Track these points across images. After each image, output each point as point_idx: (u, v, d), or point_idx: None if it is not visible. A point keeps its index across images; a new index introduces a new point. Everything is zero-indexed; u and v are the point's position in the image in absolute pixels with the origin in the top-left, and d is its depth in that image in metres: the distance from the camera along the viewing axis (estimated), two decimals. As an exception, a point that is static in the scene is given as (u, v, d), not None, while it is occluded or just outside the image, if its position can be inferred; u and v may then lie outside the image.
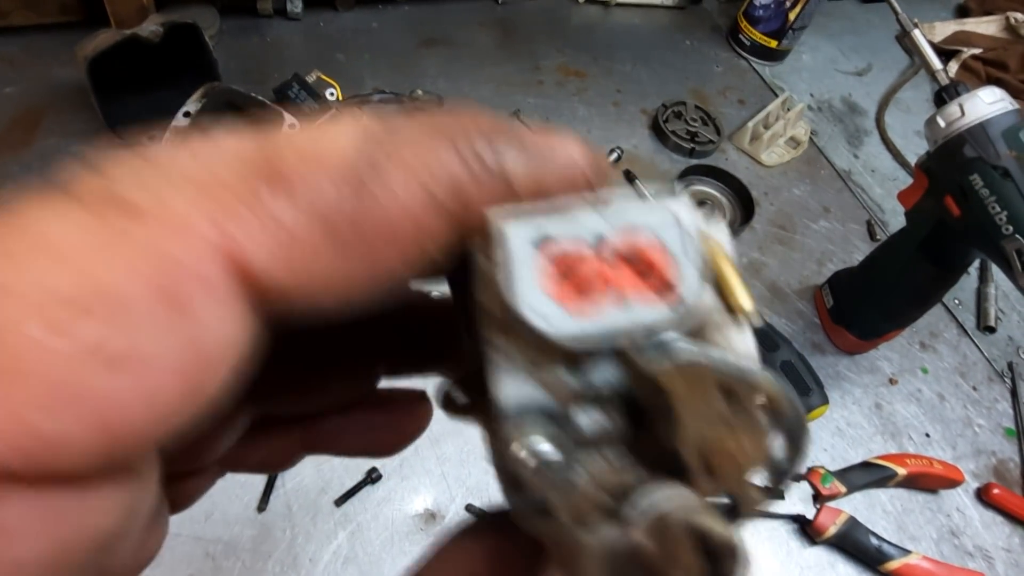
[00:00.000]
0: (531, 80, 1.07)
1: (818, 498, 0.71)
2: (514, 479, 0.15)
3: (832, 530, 0.69)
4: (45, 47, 0.92)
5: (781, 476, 0.16)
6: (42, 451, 0.11)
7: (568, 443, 0.16)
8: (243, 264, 0.13)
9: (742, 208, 0.95)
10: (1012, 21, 1.35)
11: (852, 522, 0.70)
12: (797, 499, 0.71)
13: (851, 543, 0.70)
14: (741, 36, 1.20)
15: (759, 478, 0.16)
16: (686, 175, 0.96)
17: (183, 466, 0.22)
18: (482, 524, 0.20)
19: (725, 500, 0.16)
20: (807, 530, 0.71)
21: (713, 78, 1.16)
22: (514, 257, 0.14)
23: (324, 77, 0.95)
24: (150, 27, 0.80)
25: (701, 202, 0.96)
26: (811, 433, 0.79)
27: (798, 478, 0.73)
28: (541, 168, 0.16)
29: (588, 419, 0.17)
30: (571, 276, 0.14)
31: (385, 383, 0.26)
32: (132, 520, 0.15)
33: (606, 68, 1.12)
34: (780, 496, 0.18)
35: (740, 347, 0.17)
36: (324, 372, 0.24)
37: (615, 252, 0.14)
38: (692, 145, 1.01)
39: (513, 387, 0.15)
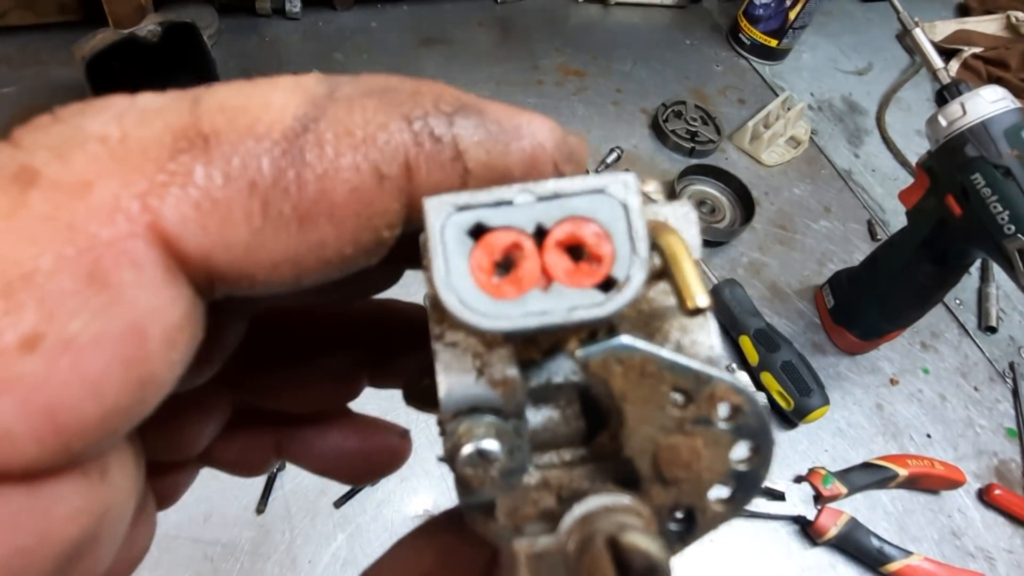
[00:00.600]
0: (530, 79, 1.07)
1: (819, 499, 0.71)
2: (462, 477, 0.15)
3: (833, 531, 0.69)
4: (43, 47, 0.92)
5: (746, 489, 0.15)
6: None
7: (519, 441, 0.15)
8: (171, 238, 0.12)
9: (742, 208, 0.95)
10: (1013, 20, 1.34)
11: (853, 523, 0.70)
12: (798, 500, 0.71)
13: (852, 544, 0.70)
14: (741, 35, 1.20)
15: (721, 490, 0.15)
16: (686, 175, 0.95)
17: (166, 457, 0.22)
18: (437, 522, 0.20)
19: (680, 515, 0.15)
20: (808, 531, 0.71)
21: (713, 77, 1.16)
22: (445, 245, 0.13)
23: (323, 77, 0.94)
24: (148, 27, 0.80)
25: (701, 202, 0.95)
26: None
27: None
28: (501, 148, 0.15)
29: (541, 416, 0.16)
30: (505, 265, 0.14)
31: (371, 412, 0.26)
32: (106, 522, 0.14)
33: (605, 67, 1.12)
34: (740, 512, 0.17)
35: (702, 343, 0.16)
36: (306, 368, 0.23)
37: (555, 241, 0.14)
38: (692, 145, 1.01)
39: (457, 381, 0.15)
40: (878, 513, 0.74)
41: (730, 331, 0.83)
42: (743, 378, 0.79)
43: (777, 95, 1.13)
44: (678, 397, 0.15)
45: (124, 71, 0.83)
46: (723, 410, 0.15)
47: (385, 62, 1.03)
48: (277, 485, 0.65)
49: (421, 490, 0.67)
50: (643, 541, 0.13)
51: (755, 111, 1.08)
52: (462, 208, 0.13)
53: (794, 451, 0.77)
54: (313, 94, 0.14)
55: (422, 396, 0.20)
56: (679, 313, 0.15)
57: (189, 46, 0.84)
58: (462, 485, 0.15)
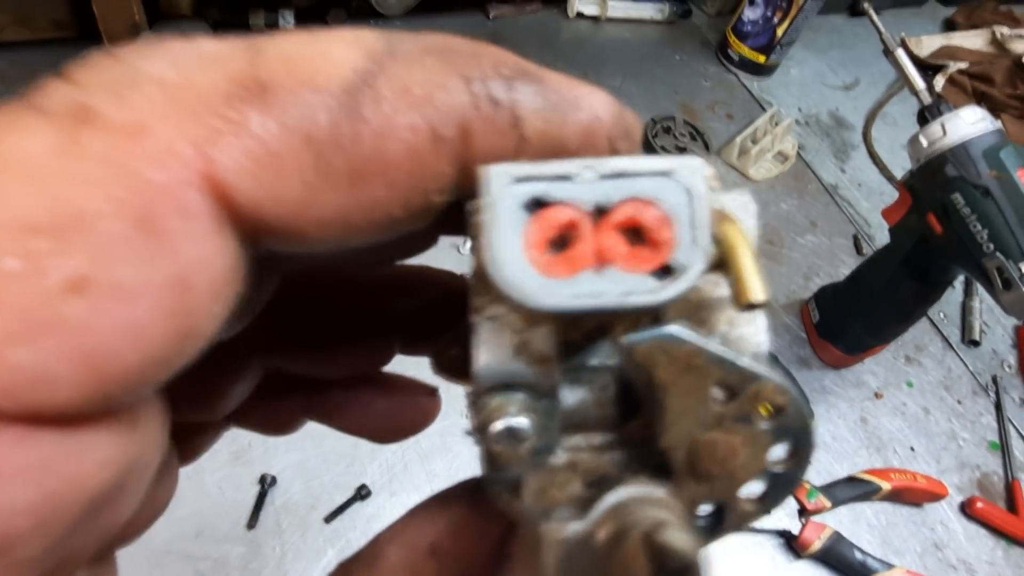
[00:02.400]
0: (522, 95, 1.08)
1: (803, 512, 0.72)
2: (489, 452, 0.14)
3: (817, 545, 0.70)
4: (37, 63, 0.93)
5: (779, 490, 0.15)
6: (24, 387, 0.11)
7: (550, 421, 0.15)
8: (223, 188, 0.12)
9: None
10: (998, 35, 1.36)
11: (837, 537, 0.71)
12: (782, 514, 0.72)
13: (836, 558, 0.71)
14: (730, 51, 1.22)
15: (754, 488, 0.15)
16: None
17: (194, 418, 0.22)
18: (452, 493, 0.20)
19: (709, 509, 0.15)
20: (792, 545, 0.72)
21: (702, 92, 1.18)
22: (500, 218, 0.13)
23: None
24: (142, 44, 0.81)
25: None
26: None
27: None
28: (559, 117, 0.14)
29: (574, 397, 0.16)
30: (560, 243, 0.13)
31: (400, 370, 0.26)
32: (133, 473, 0.14)
33: (596, 82, 1.11)
34: (770, 512, 0.17)
35: (750, 338, 0.15)
36: (337, 333, 0.23)
37: (614, 222, 0.13)
38: (681, 160, 1.02)
39: (494, 356, 0.14)
40: (862, 526, 0.75)
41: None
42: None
43: (765, 110, 1.15)
44: (721, 392, 0.14)
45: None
46: (766, 409, 0.14)
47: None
48: (268, 501, 0.66)
49: (411, 505, 0.68)
50: (679, 540, 0.12)
51: (743, 126, 1.10)
52: (521, 179, 0.13)
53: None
54: (373, 48, 0.13)
55: (451, 366, 0.20)
56: (728, 305, 0.15)
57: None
58: (489, 461, 0.15)
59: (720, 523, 0.15)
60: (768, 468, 0.14)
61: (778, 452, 0.14)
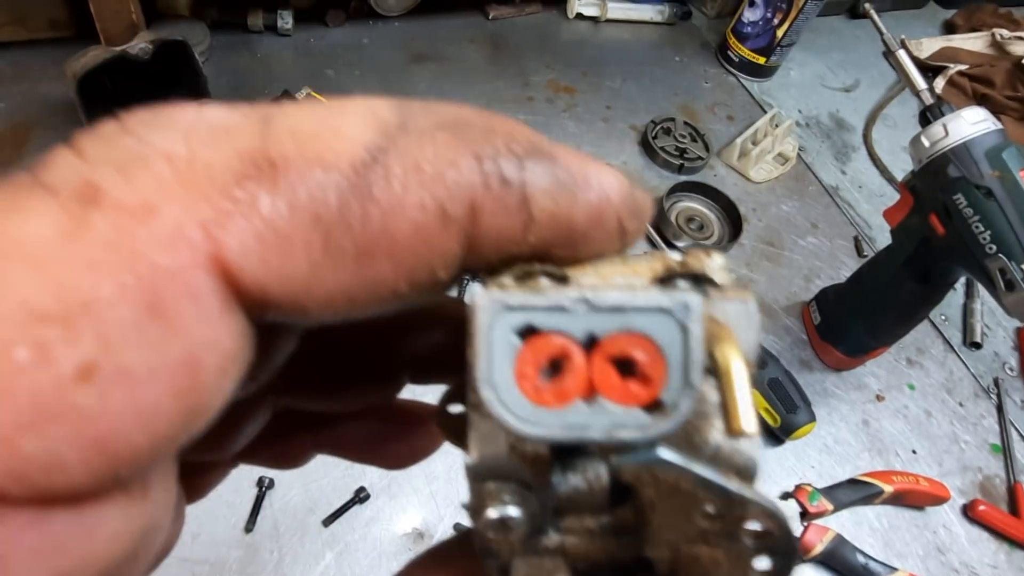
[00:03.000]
0: (521, 96, 1.08)
1: (805, 516, 0.72)
2: (481, 538, 0.15)
3: (819, 548, 0.70)
4: (34, 63, 0.92)
5: None
6: (35, 473, 0.11)
7: (542, 509, 0.15)
8: (229, 269, 0.12)
9: (730, 224, 0.96)
10: (998, 37, 1.36)
11: (839, 540, 0.70)
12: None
13: (838, 561, 0.70)
14: (730, 53, 1.21)
15: None
16: (675, 191, 0.96)
17: (202, 458, 0.22)
18: (451, 547, 0.20)
19: None
20: (795, 548, 0.71)
21: (702, 94, 1.17)
22: (493, 344, 0.13)
23: (314, 94, 0.95)
24: (140, 44, 0.81)
25: (690, 219, 0.96)
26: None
27: (786, 496, 0.73)
28: (569, 197, 0.14)
29: (568, 484, 0.16)
30: (551, 373, 0.13)
31: (406, 394, 0.26)
32: (146, 539, 0.14)
33: (596, 84, 1.13)
34: None
35: (743, 450, 0.15)
36: (348, 371, 0.23)
37: (605, 354, 0.13)
38: (681, 161, 1.02)
39: (488, 452, 0.14)
40: (864, 530, 0.75)
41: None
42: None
43: (765, 112, 1.15)
44: (709, 509, 0.14)
45: (115, 88, 0.84)
46: (752, 527, 0.14)
47: (376, 79, 1.04)
48: (265, 504, 0.65)
49: (410, 508, 0.67)
50: None
51: (743, 128, 1.09)
52: (513, 309, 0.13)
53: (780, 468, 0.78)
54: (385, 123, 0.13)
55: (452, 427, 0.20)
56: (718, 420, 0.15)
57: (181, 63, 0.85)
58: (481, 543, 0.15)
59: None
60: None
61: (762, 564, 0.14)
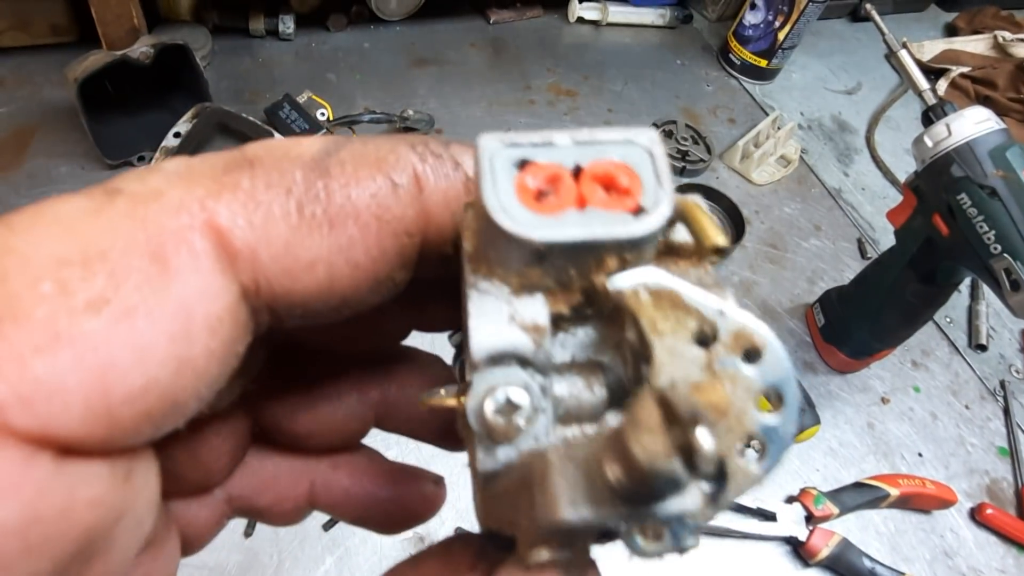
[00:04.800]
0: (522, 99, 1.08)
1: (810, 519, 0.71)
2: (486, 429, 0.15)
3: (825, 552, 0.69)
4: (36, 68, 0.92)
5: (776, 445, 0.14)
6: (41, 399, 0.12)
7: (544, 401, 0.15)
8: (222, 232, 0.14)
9: (733, 227, 0.95)
10: (1000, 40, 1.36)
11: (845, 544, 0.70)
12: (789, 521, 0.71)
13: (844, 565, 0.69)
14: (731, 55, 1.21)
15: (752, 444, 0.14)
16: (677, 193, 0.96)
17: (186, 479, 0.22)
18: (426, 551, 0.20)
19: (710, 472, 0.14)
20: (799, 552, 0.70)
21: (704, 97, 1.17)
22: (496, 172, 0.15)
23: (315, 97, 0.95)
24: (141, 48, 0.81)
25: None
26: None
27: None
28: None
29: (566, 384, 0.16)
30: (547, 192, 0.15)
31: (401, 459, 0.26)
32: (123, 525, 0.15)
33: (597, 87, 1.13)
34: (773, 470, 0.15)
35: (721, 299, 0.16)
36: (316, 394, 0.24)
37: (590, 175, 0.15)
38: (683, 164, 1.02)
39: (490, 327, 0.15)
40: (870, 533, 0.74)
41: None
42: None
43: (767, 114, 1.14)
44: (702, 335, 0.15)
45: (117, 93, 0.84)
46: (747, 354, 0.15)
47: (378, 82, 1.04)
48: (265, 508, 0.64)
49: (410, 512, 0.67)
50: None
51: (745, 130, 1.09)
52: (510, 145, 0.15)
53: (785, 471, 0.77)
54: (334, 139, 0.17)
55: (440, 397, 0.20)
56: (693, 275, 0.16)
57: (182, 67, 0.85)
58: (486, 439, 0.15)
59: (723, 485, 0.14)
60: (760, 420, 0.14)
61: (766, 402, 0.15)
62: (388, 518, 0.26)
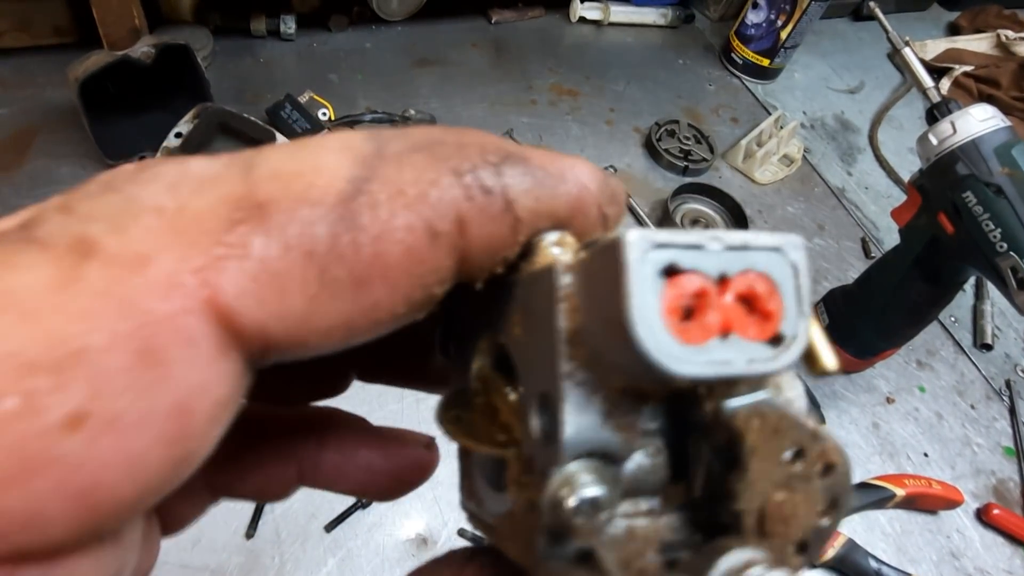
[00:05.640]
0: (524, 99, 1.08)
1: (816, 520, 0.70)
2: (564, 527, 0.14)
3: (830, 553, 0.68)
4: (37, 69, 0.92)
5: (820, 542, 0.15)
6: (14, 529, 0.11)
7: (616, 491, 0.15)
8: (226, 313, 0.12)
9: (736, 226, 0.95)
10: (1003, 38, 1.36)
11: (851, 544, 0.69)
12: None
13: (850, 566, 0.69)
14: (733, 55, 1.21)
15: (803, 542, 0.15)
16: (679, 193, 0.95)
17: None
18: (436, 571, 0.19)
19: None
20: (805, 553, 0.70)
21: (706, 96, 1.17)
22: (642, 282, 0.13)
23: (317, 97, 0.95)
24: (142, 48, 0.80)
25: (695, 220, 0.95)
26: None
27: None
28: (549, 193, 0.15)
29: (633, 462, 0.16)
30: (691, 310, 0.13)
31: (392, 423, 0.25)
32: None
33: (599, 87, 1.13)
34: (812, 561, 0.16)
35: (796, 401, 0.16)
36: (290, 374, 0.22)
37: (735, 291, 0.14)
38: (685, 163, 1.01)
39: (584, 423, 0.14)
40: (876, 534, 0.74)
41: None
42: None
43: (770, 114, 1.14)
44: (790, 454, 0.15)
45: (118, 93, 0.83)
46: (821, 468, 0.15)
47: (380, 83, 1.03)
48: (267, 509, 0.64)
49: (413, 513, 0.66)
50: None
51: (748, 130, 1.09)
52: (658, 247, 0.13)
53: (790, 471, 0.76)
54: (363, 154, 0.14)
55: (455, 425, 0.20)
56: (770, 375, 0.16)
57: (183, 68, 0.85)
58: (562, 532, 0.14)
59: None
60: (816, 523, 0.15)
61: (825, 508, 0.15)
62: (380, 487, 0.25)
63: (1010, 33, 1.36)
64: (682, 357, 0.13)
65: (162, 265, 0.12)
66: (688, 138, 1.05)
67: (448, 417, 0.20)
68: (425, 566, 0.20)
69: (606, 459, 0.15)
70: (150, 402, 0.11)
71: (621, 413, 0.15)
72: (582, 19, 1.23)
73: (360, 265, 0.13)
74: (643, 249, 0.13)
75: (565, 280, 0.14)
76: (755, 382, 0.15)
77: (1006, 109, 1.23)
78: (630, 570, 0.15)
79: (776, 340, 0.14)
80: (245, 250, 0.12)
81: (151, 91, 0.85)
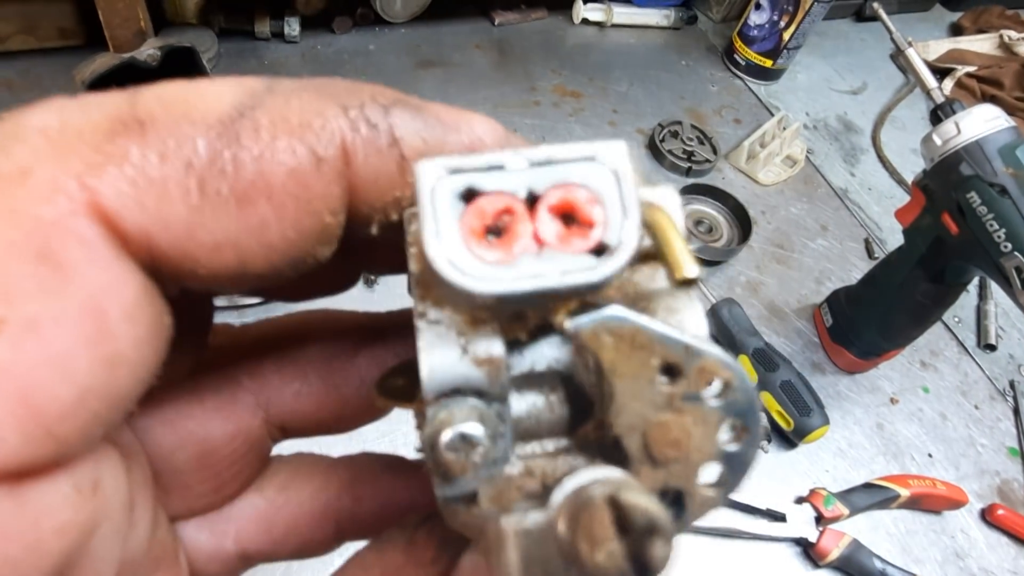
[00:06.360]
0: (527, 101, 1.08)
1: (820, 520, 0.70)
2: (441, 465, 0.14)
3: (835, 553, 0.68)
4: (43, 71, 0.93)
5: (736, 472, 0.15)
6: None
7: (502, 427, 0.14)
8: (109, 215, 0.12)
9: (739, 227, 0.95)
10: (1006, 39, 1.36)
11: (855, 545, 0.69)
12: (799, 522, 0.70)
13: (855, 566, 0.69)
14: (736, 56, 1.21)
15: (711, 472, 0.15)
16: (683, 194, 0.95)
17: (194, 486, 0.20)
18: (389, 538, 0.20)
19: (669, 498, 0.15)
20: (810, 553, 0.70)
21: (709, 98, 1.17)
22: (437, 209, 0.13)
23: (321, 99, 0.95)
24: (148, 51, 0.81)
25: (698, 221, 0.96)
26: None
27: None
28: (438, 137, 0.15)
29: (525, 404, 0.16)
30: (497, 230, 0.13)
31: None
32: (97, 539, 0.14)
33: (602, 88, 1.13)
34: (730, 495, 0.15)
35: (689, 323, 0.15)
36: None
37: (547, 206, 0.13)
38: (689, 164, 1.01)
39: (440, 360, 0.14)
40: (880, 534, 0.74)
41: (728, 350, 0.82)
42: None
43: (773, 115, 1.14)
44: (666, 376, 0.14)
45: (123, 95, 0.84)
46: (712, 387, 0.14)
47: (383, 84, 1.03)
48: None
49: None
50: (644, 500, 0.12)
51: (751, 131, 1.09)
52: (454, 171, 0.13)
53: (794, 472, 0.76)
54: (252, 87, 0.14)
55: (395, 393, 0.19)
56: (666, 295, 0.15)
57: (189, 70, 0.85)
58: (442, 472, 0.14)
59: (682, 512, 0.15)
60: (722, 448, 0.14)
61: (729, 431, 0.15)
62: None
63: (1013, 34, 1.36)
64: (486, 276, 0.13)
65: (43, 174, 0.12)
66: (691, 139, 1.05)
67: (385, 382, 0.19)
68: (385, 534, 0.20)
69: (485, 398, 0.14)
70: (61, 303, 0.12)
71: (480, 348, 0.14)
72: (585, 20, 1.23)
73: (242, 182, 0.13)
74: (436, 176, 0.13)
75: (413, 226, 0.14)
76: (594, 301, 0.14)
77: (1009, 110, 1.23)
78: (501, 501, 0.15)
79: (600, 250, 0.13)
80: (123, 158, 0.12)
81: (156, 93, 0.86)
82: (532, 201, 0.13)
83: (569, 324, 0.14)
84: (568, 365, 0.16)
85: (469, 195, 0.13)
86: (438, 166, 0.13)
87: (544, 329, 0.15)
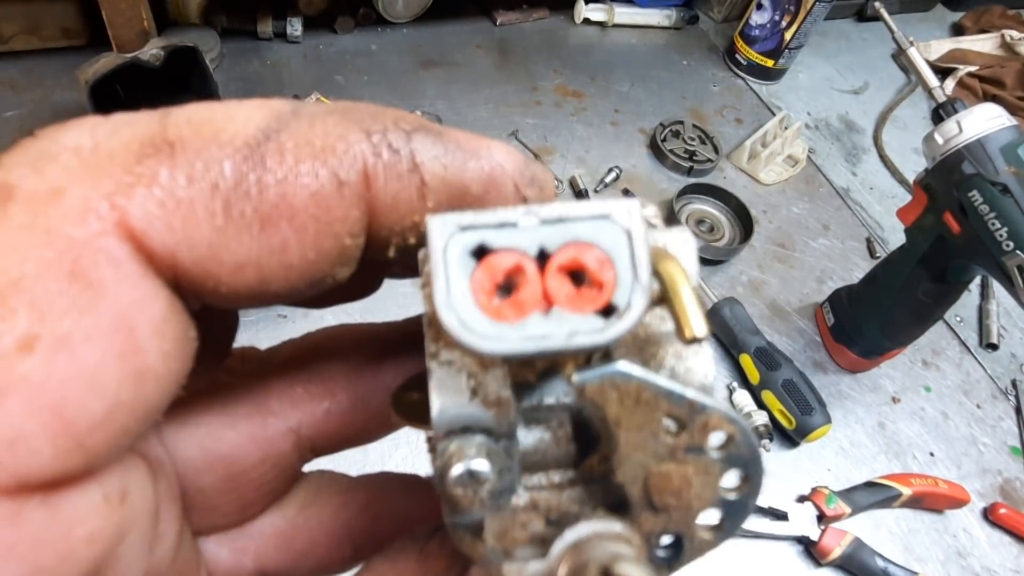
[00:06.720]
0: (529, 101, 1.08)
1: (822, 519, 0.70)
2: (449, 497, 0.15)
3: (837, 552, 0.68)
4: (47, 71, 0.93)
5: (734, 517, 0.15)
6: (4, 451, 0.11)
7: (509, 462, 0.15)
8: (137, 235, 0.13)
9: (741, 226, 0.95)
10: (1008, 39, 1.36)
11: (857, 543, 0.69)
12: (801, 520, 0.70)
13: (857, 565, 0.69)
14: (738, 56, 1.21)
15: (710, 517, 0.15)
16: (684, 194, 0.96)
17: (219, 505, 0.20)
18: (401, 547, 0.20)
19: (668, 540, 0.16)
20: (812, 552, 0.70)
21: (710, 97, 1.17)
22: (447, 264, 0.13)
23: (323, 99, 0.95)
24: (151, 50, 0.81)
25: (700, 221, 0.96)
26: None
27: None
28: (458, 164, 0.15)
29: (532, 437, 0.16)
30: (507, 288, 0.14)
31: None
32: (125, 547, 0.14)
33: (604, 88, 1.13)
34: (727, 540, 0.17)
35: (696, 370, 0.16)
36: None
37: (557, 265, 0.14)
38: (690, 164, 1.02)
39: (450, 401, 0.15)
40: (882, 533, 0.74)
41: (730, 349, 0.82)
42: (742, 398, 0.79)
43: (774, 114, 1.14)
44: (671, 424, 0.15)
45: (127, 95, 0.84)
46: (715, 439, 0.15)
47: (386, 84, 1.04)
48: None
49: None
50: (634, 572, 0.13)
51: (752, 130, 1.09)
52: (465, 228, 0.13)
53: (796, 470, 0.77)
54: (278, 110, 0.14)
55: (410, 411, 0.20)
56: (675, 339, 0.15)
57: (191, 69, 0.85)
58: (450, 504, 0.15)
59: (679, 554, 0.15)
60: (722, 496, 0.15)
61: (730, 480, 0.15)
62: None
63: (1014, 33, 1.36)
64: (493, 335, 0.13)
65: (76, 194, 0.13)
66: (693, 139, 1.05)
67: (401, 399, 0.20)
68: (399, 541, 0.20)
69: (493, 435, 0.15)
70: (92, 319, 0.12)
71: (490, 391, 0.15)
72: (586, 20, 1.23)
73: (265, 204, 0.13)
74: (447, 233, 0.13)
75: (427, 267, 0.14)
76: (601, 351, 0.15)
77: (1011, 109, 1.23)
78: (505, 541, 0.15)
79: (610, 310, 0.13)
80: (152, 179, 0.13)
81: (160, 92, 0.86)
82: (543, 258, 0.14)
83: (576, 378, 0.14)
84: (575, 401, 0.16)
85: (480, 252, 0.13)
86: (449, 223, 0.13)
87: (552, 370, 0.16)
